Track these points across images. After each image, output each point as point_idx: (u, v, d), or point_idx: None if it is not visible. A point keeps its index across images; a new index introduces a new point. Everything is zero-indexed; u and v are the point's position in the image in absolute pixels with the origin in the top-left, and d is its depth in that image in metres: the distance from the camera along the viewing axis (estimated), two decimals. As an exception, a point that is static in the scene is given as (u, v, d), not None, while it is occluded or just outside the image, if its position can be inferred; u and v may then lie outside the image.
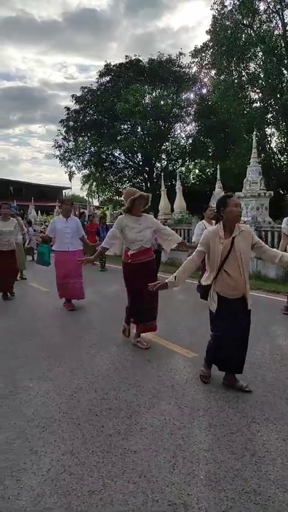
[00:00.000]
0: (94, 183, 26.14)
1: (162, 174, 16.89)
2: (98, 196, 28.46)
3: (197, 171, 27.22)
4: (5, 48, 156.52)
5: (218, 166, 13.36)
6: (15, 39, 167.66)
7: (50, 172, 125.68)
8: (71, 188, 54.53)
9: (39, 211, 29.24)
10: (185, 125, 23.54)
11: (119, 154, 24.41)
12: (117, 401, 3.12)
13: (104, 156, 23.58)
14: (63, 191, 54.99)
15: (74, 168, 24.66)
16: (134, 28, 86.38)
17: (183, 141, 23.96)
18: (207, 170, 26.20)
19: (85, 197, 28.23)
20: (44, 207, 32.47)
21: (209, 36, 25.74)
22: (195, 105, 22.64)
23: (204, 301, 3.97)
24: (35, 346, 4.54)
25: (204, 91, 23.52)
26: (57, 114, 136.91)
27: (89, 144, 22.54)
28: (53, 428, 2.74)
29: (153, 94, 22.41)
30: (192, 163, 25.31)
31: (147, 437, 2.61)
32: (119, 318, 4.96)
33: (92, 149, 22.69)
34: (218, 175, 13.00)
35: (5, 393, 3.32)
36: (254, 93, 25.32)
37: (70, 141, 23.10)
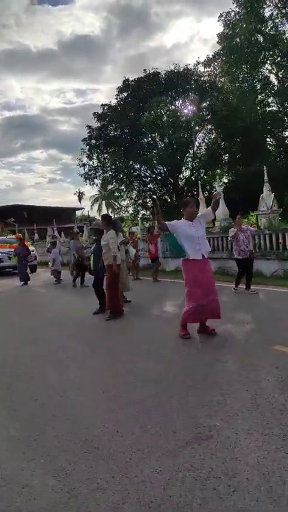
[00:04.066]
0: (103, 202, 25.79)
1: (199, 182, 16.42)
2: (116, 213, 28.12)
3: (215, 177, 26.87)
4: (6, 79, 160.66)
5: (264, 169, 12.73)
6: (15, 71, 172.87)
7: (53, 196, 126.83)
8: (83, 208, 54.78)
9: (62, 233, 28.88)
10: (206, 132, 23.25)
11: (140, 168, 24.07)
12: None
13: (131, 171, 23.25)
14: (76, 212, 55.34)
15: (99, 186, 24.34)
16: (127, 49, 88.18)
17: (206, 148, 23.62)
18: (230, 177, 25.75)
19: (95, 217, 27.87)
20: (60, 228, 32.31)
21: (219, 46, 25.92)
22: (211, 113, 22.39)
23: None
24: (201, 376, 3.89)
25: (221, 97, 23.32)
26: (57, 139, 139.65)
27: (114, 159, 22.21)
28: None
29: (173, 106, 22.20)
30: (217, 170, 24.91)
31: None
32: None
33: (118, 164, 22.35)
34: (266, 177, 12.43)
35: (190, 438, 2.65)
36: (267, 97, 25.27)
37: (93, 159, 22.89)
